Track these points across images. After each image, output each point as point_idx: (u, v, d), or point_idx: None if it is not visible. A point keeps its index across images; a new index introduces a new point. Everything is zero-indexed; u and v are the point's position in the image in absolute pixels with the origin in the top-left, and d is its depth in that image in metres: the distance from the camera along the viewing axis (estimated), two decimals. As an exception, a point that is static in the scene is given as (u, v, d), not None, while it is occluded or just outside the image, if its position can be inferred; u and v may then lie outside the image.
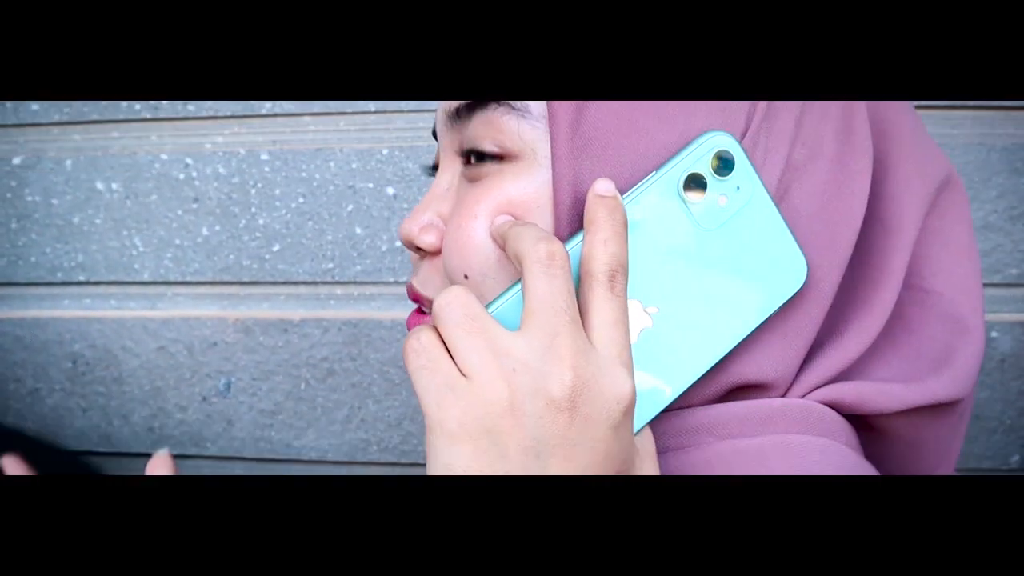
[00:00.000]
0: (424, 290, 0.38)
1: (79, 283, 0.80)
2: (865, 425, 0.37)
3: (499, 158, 0.35)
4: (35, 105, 0.80)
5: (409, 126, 0.75)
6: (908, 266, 0.37)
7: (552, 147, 0.33)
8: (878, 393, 0.35)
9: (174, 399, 0.79)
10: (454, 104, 0.36)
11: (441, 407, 0.28)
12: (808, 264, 0.34)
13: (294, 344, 0.77)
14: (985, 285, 0.70)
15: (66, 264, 0.80)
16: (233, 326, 0.78)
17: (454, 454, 0.28)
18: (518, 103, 0.34)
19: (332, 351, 0.77)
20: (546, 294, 0.29)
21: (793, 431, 0.34)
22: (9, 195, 0.80)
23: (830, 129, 0.35)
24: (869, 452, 0.38)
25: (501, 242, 0.33)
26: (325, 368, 0.77)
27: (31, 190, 0.80)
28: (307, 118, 0.77)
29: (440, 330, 0.29)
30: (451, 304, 0.29)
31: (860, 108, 0.36)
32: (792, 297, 0.34)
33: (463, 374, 0.29)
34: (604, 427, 0.29)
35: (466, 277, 0.35)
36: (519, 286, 0.31)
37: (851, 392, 0.35)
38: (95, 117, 0.79)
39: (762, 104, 0.34)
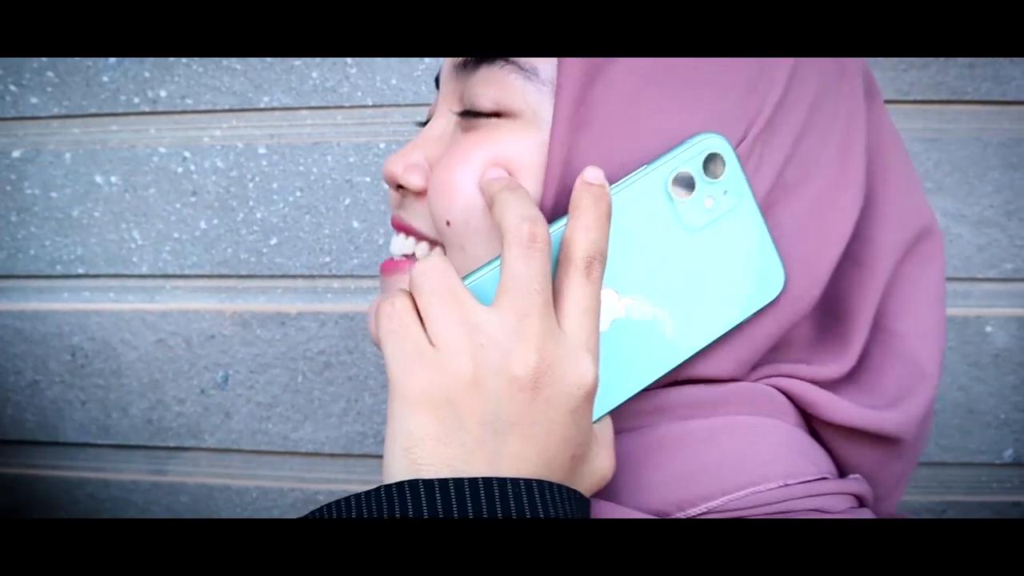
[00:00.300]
0: (413, 222, 0.38)
1: (78, 276, 0.81)
2: (814, 436, 0.38)
3: (496, 115, 0.35)
4: (34, 98, 0.80)
5: (406, 119, 0.75)
6: (882, 310, 0.38)
7: (554, 113, 0.34)
8: (827, 401, 0.36)
9: (172, 391, 0.80)
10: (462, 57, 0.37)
11: (407, 373, 0.29)
12: (786, 276, 0.34)
13: (291, 337, 0.78)
14: (980, 280, 0.71)
15: (65, 257, 0.80)
16: (231, 319, 0.78)
17: (414, 421, 0.28)
18: (527, 63, 0.34)
19: (329, 344, 0.78)
20: (522, 274, 0.29)
21: (743, 412, 0.35)
22: (8, 188, 0.81)
23: (828, 155, 0.35)
24: None
25: (488, 199, 0.33)
26: (322, 361, 0.78)
27: (30, 183, 0.81)
28: (304, 112, 0.77)
29: (415, 297, 0.30)
30: (428, 273, 0.30)
31: (859, 138, 0.37)
32: (766, 306, 0.34)
33: (432, 343, 0.29)
34: (563, 410, 0.29)
35: (448, 224, 0.35)
36: (498, 262, 0.31)
37: (798, 387, 0.36)
38: (94, 110, 0.79)
39: (761, 119, 0.34)
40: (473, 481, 0.27)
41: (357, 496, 0.28)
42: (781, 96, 0.34)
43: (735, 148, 0.33)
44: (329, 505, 0.28)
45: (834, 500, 0.35)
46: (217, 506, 0.80)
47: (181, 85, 0.78)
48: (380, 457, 0.67)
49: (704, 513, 0.33)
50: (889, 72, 0.72)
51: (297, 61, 0.77)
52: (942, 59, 0.71)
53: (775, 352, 0.36)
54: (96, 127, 0.80)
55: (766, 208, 0.34)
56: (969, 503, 0.72)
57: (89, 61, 0.79)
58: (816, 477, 0.35)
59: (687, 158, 0.32)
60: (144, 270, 0.79)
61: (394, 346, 0.29)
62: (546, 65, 0.34)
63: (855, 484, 0.36)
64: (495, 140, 0.35)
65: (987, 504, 0.72)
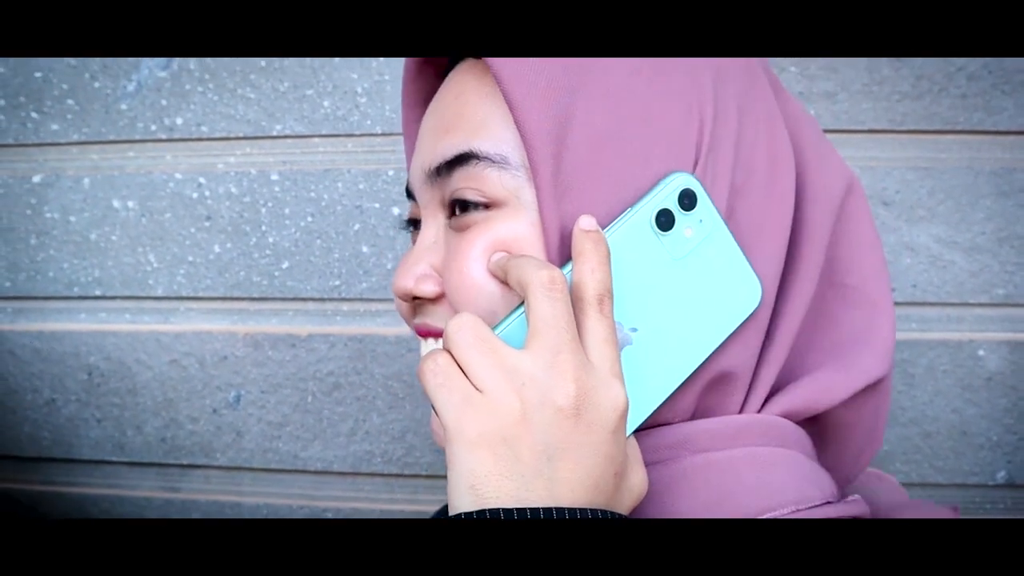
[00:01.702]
0: (438, 323, 0.41)
1: (95, 297, 0.83)
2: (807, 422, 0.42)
3: (485, 206, 0.38)
4: (55, 125, 0.83)
5: (414, 148, 0.78)
6: (827, 266, 0.42)
7: (538, 196, 0.36)
8: (822, 392, 0.40)
9: (186, 411, 0.82)
10: (433, 162, 0.39)
11: (460, 420, 0.31)
12: (762, 286, 0.37)
13: (301, 358, 0.80)
14: (973, 305, 0.73)
15: (83, 279, 0.83)
16: (243, 340, 0.81)
17: (475, 460, 0.31)
18: (496, 155, 0.37)
19: (338, 365, 0.80)
20: (549, 315, 0.32)
21: (759, 444, 0.38)
22: (29, 212, 0.83)
23: (760, 153, 0.39)
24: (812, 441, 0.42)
25: (502, 274, 0.36)
26: (331, 382, 0.80)
27: (50, 207, 0.83)
28: (316, 139, 0.79)
29: (453, 352, 0.33)
30: (462, 328, 0.33)
31: (781, 130, 0.40)
32: (754, 311, 0.37)
33: (478, 390, 0.32)
34: (605, 432, 0.32)
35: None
36: (522, 309, 0.34)
37: (800, 399, 0.40)
38: (112, 137, 0.82)
39: (706, 138, 0.37)
40: (535, 510, 0.30)
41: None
42: (714, 113, 0.37)
43: (693, 172, 0.36)
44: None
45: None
46: None
47: (197, 113, 0.80)
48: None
49: None
50: (883, 103, 0.74)
51: (309, 90, 0.79)
52: (936, 90, 0.74)
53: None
54: (114, 153, 0.82)
55: (728, 215, 0.37)
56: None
57: (108, 89, 0.82)
58: (822, 502, 0.37)
59: (664, 197, 0.35)
60: (159, 292, 0.82)
61: (444, 398, 0.32)
62: (514, 152, 0.37)
63: (855, 507, 0.39)
64: (490, 231, 0.37)
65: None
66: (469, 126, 0.38)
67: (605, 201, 0.36)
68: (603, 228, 0.35)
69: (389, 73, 0.78)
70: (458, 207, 0.38)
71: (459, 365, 0.32)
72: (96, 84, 0.82)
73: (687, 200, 0.35)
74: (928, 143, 0.74)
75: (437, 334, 0.41)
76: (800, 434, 0.40)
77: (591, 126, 0.36)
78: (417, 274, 0.40)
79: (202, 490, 0.82)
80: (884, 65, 0.74)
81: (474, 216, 0.38)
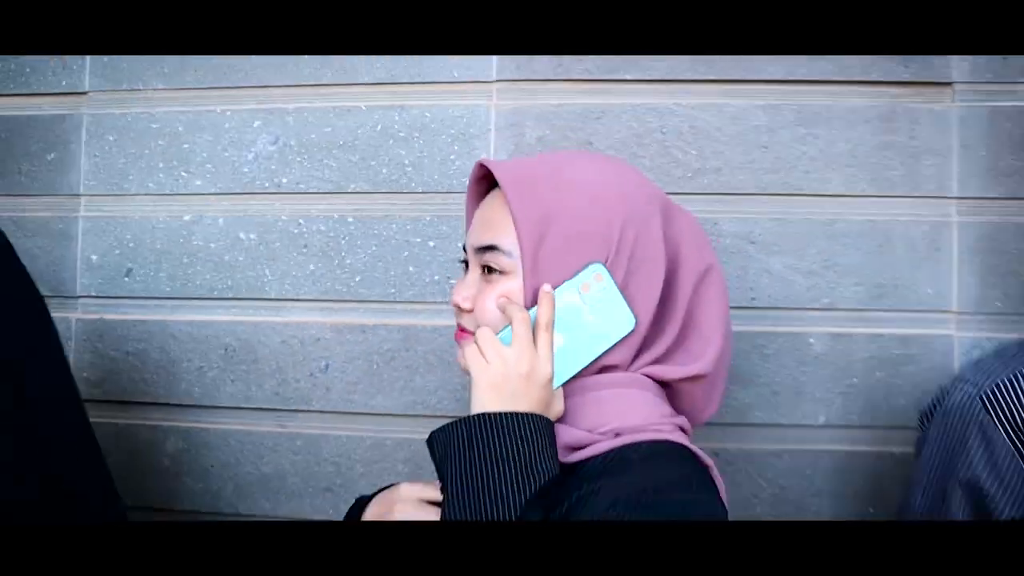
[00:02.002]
0: (468, 326, 0.79)
1: (228, 298, 1.23)
2: (668, 387, 0.79)
3: (500, 272, 0.76)
4: (199, 181, 1.22)
5: (443, 203, 1.17)
6: (688, 313, 0.78)
7: (523, 272, 0.75)
8: (671, 372, 0.77)
9: (291, 374, 1.23)
10: (478, 243, 0.77)
11: (479, 375, 0.71)
12: (636, 317, 0.75)
13: (369, 340, 1.20)
14: (807, 309, 1.12)
15: (219, 286, 1.23)
16: (330, 328, 1.21)
17: (486, 396, 0.70)
18: (507, 248, 0.75)
19: (393, 344, 1.20)
20: (521, 333, 0.71)
21: (629, 388, 0.76)
22: (182, 240, 1.23)
23: (648, 254, 0.76)
24: (670, 401, 0.80)
25: (502, 309, 0.75)
26: (389, 355, 1.20)
27: (196, 238, 1.23)
28: (377, 195, 1.19)
29: (479, 343, 0.72)
30: (483, 334, 0.72)
31: (659, 245, 0.77)
32: (631, 331, 0.75)
33: (488, 363, 0.71)
34: (539, 387, 0.71)
35: (486, 324, 0.77)
36: (509, 327, 0.73)
37: (659, 370, 0.77)
38: (238, 191, 1.21)
39: (614, 245, 0.74)
40: (508, 414, 0.69)
41: (460, 420, 0.70)
42: (622, 232, 0.74)
43: (606, 264, 0.74)
44: (445, 427, 0.71)
45: (667, 427, 0.75)
46: (319, 448, 1.23)
47: (296, 175, 1.20)
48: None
49: (605, 432, 0.74)
50: (752, 175, 1.12)
51: (373, 161, 1.18)
52: (787, 167, 1.12)
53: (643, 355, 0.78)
54: (240, 202, 1.22)
55: (624, 286, 0.75)
56: (797, 450, 1.14)
57: (235, 157, 1.21)
58: (658, 419, 0.76)
59: (588, 274, 0.74)
60: (273, 295, 1.22)
61: (476, 365, 0.71)
62: (515, 247, 0.75)
63: (680, 419, 0.78)
64: (501, 285, 0.76)
65: (810, 451, 1.14)
66: (496, 228, 0.76)
67: (557, 276, 0.74)
68: (554, 288, 0.74)
69: (427, 151, 1.17)
70: (487, 270, 0.77)
71: (480, 350, 0.72)
72: (226, 153, 1.21)
73: (599, 274, 0.74)
74: (781, 202, 1.13)
75: (469, 334, 0.79)
76: (657, 387, 0.78)
77: (557, 237, 0.74)
78: (464, 296, 0.79)
79: (303, 427, 1.24)
80: (754, 148, 1.13)
81: (493, 276, 0.76)
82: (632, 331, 0.75)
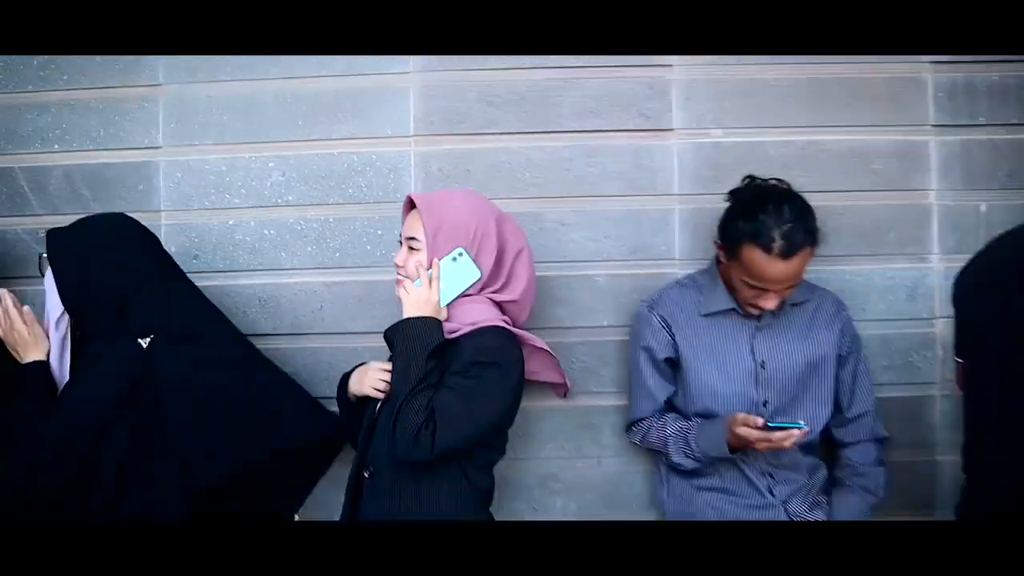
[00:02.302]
0: (402, 277, 1.65)
1: (259, 270, 2.06)
2: (499, 306, 1.68)
3: (416, 250, 1.62)
4: (236, 200, 2.03)
5: (386, 209, 2.01)
6: (510, 271, 1.66)
7: (427, 250, 1.61)
8: (499, 297, 1.66)
9: (300, 313, 2.06)
10: (407, 234, 1.63)
11: (407, 301, 1.58)
12: (481, 272, 1.62)
13: (346, 290, 2.05)
14: (595, 261, 2.01)
15: (253, 263, 2.05)
16: (323, 284, 2.05)
17: (409, 311, 1.58)
18: (420, 238, 1.62)
19: (360, 291, 2.04)
20: (425, 281, 1.59)
21: (479, 303, 1.64)
22: (228, 236, 2.05)
23: (488, 242, 1.63)
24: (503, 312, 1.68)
25: (416, 268, 1.61)
26: (358, 298, 2.05)
27: (237, 234, 2.05)
28: (347, 205, 2.02)
29: (404, 287, 1.60)
30: (407, 282, 1.60)
31: (494, 234, 1.64)
32: (479, 279, 1.62)
33: (408, 294, 1.58)
34: (434, 305, 1.59)
35: (410, 276, 1.63)
36: (419, 279, 1.59)
37: (494, 296, 1.66)
38: (262, 205, 2.03)
39: (478, 236, 1.61)
40: (419, 317, 1.56)
41: (398, 322, 1.57)
42: (473, 235, 1.60)
43: (466, 247, 1.60)
44: (391, 326, 1.58)
45: (498, 321, 1.62)
46: (319, 356, 2.07)
47: (297, 194, 2.02)
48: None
49: (466, 323, 1.60)
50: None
51: (343, 185, 2.01)
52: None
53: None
54: (263, 212, 2.03)
55: (476, 257, 1.60)
56: (591, 341, 2.04)
57: (258, 184, 2.02)
58: (493, 318, 1.63)
59: (457, 251, 1.60)
60: (286, 267, 2.05)
61: (404, 296, 1.58)
62: (423, 237, 1.60)
63: (505, 318, 1.66)
64: (416, 256, 1.61)
65: (598, 342, 2.03)
66: (415, 229, 1.61)
67: (442, 252, 1.59)
68: (440, 259, 1.60)
69: (376, 178, 2.01)
70: (410, 248, 1.62)
71: (406, 289, 1.58)
72: (253, 183, 2.03)
73: (461, 253, 1.60)
74: (579, 202, 2.01)
75: (400, 281, 1.65)
76: (493, 304, 1.64)
77: (443, 234, 1.60)
78: (399, 261, 1.64)
79: (308, 344, 2.07)
80: (562, 173, 1.99)
81: (413, 252, 1.62)
82: (479, 279, 1.61)
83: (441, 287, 1.59)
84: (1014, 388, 1.44)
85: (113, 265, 1.68)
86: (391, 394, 1.57)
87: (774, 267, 1.65)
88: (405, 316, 1.58)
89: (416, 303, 1.57)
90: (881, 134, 2.05)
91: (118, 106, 2.07)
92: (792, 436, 1.61)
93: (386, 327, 1.62)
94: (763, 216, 1.65)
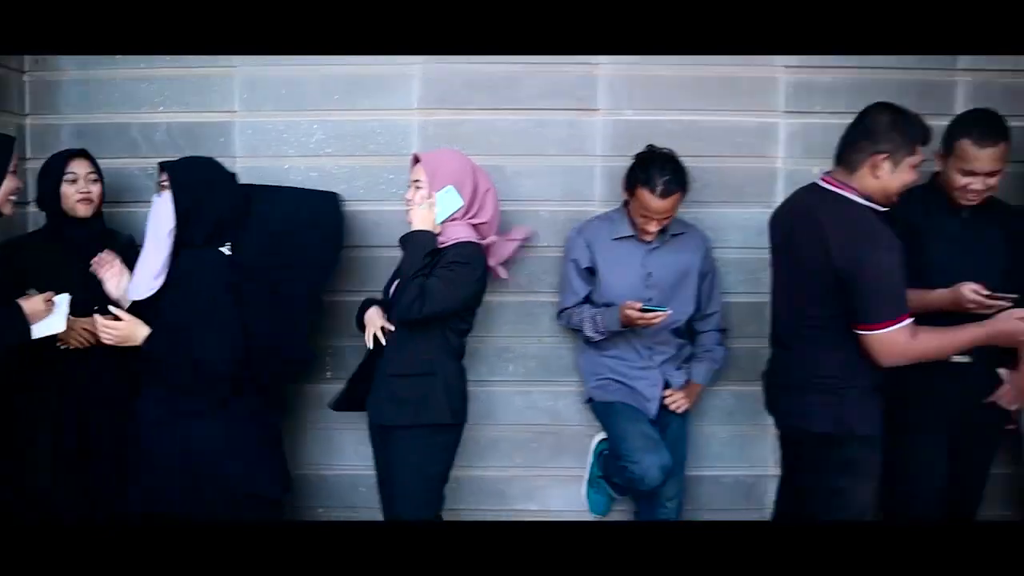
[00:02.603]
0: (411, 206, 2.53)
1: (306, 200, 2.94)
2: (476, 228, 2.57)
3: (420, 188, 2.51)
4: (301, 161, 2.89)
5: (397, 160, 2.87)
6: (480, 203, 2.55)
7: (428, 189, 2.48)
8: (474, 220, 2.55)
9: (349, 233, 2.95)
10: (414, 178, 2.51)
11: (415, 219, 2.43)
12: (464, 202, 2.50)
13: (378, 219, 2.93)
14: (543, 200, 2.91)
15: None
16: (358, 214, 2.93)
17: (415, 226, 2.43)
18: (423, 181, 2.49)
19: (385, 219, 2.93)
20: (427, 206, 2.46)
21: (460, 225, 2.53)
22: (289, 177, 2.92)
23: (468, 183, 2.51)
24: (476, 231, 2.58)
25: (421, 200, 2.48)
26: (384, 224, 2.93)
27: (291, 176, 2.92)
28: (371, 157, 2.88)
29: (413, 211, 2.48)
30: (414, 207, 2.48)
31: (472, 178, 2.52)
32: (462, 207, 2.51)
33: (416, 216, 2.47)
34: (431, 223, 2.43)
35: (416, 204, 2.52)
36: (423, 205, 2.47)
37: (471, 220, 2.55)
38: (310, 155, 2.89)
39: (469, 183, 2.49)
40: (421, 230, 2.44)
41: (409, 232, 2.47)
42: (460, 179, 2.48)
43: (455, 186, 2.47)
44: (404, 235, 2.48)
45: (474, 237, 2.50)
46: (366, 262, 2.96)
47: (336, 147, 2.88)
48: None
49: (452, 238, 2.48)
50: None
51: (368, 143, 2.87)
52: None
53: None
54: (311, 161, 2.90)
55: (459, 192, 2.48)
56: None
57: (305, 141, 2.88)
58: (471, 235, 2.52)
59: (447, 188, 2.46)
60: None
61: (413, 216, 2.44)
62: (425, 181, 2.47)
63: (477, 234, 2.54)
64: (420, 192, 2.46)
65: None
66: (419, 173, 2.46)
67: (437, 189, 2.45)
68: (435, 193, 2.47)
69: (391, 138, 2.87)
70: (416, 188, 2.50)
71: (414, 212, 2.46)
72: (309, 144, 2.89)
73: (449, 190, 2.47)
74: (528, 161, 2.88)
75: (410, 208, 2.53)
76: (471, 226, 2.51)
77: (438, 177, 2.45)
78: (409, 196, 2.48)
79: (358, 255, 2.97)
80: (535, 140, 2.87)
81: (419, 191, 2.48)
82: (461, 206, 2.49)
83: (436, 211, 2.46)
84: (779, 292, 2.38)
85: (216, 191, 2.50)
86: (401, 283, 2.45)
87: (656, 203, 2.54)
88: (413, 228, 2.45)
89: (421, 220, 2.43)
90: (744, 116, 2.92)
91: (206, 81, 2.92)
92: (659, 316, 2.52)
93: (396, 239, 2.51)
94: (652, 170, 2.55)
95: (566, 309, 2.82)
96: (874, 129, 2.17)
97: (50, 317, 2.25)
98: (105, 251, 2.49)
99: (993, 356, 2.44)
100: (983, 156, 2.35)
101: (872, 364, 2.16)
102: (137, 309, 2.36)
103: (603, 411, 2.78)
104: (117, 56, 2.87)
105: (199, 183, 2.47)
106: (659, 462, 2.52)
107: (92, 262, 2.46)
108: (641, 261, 2.72)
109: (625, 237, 2.72)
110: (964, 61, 2.89)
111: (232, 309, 2.38)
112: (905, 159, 2.15)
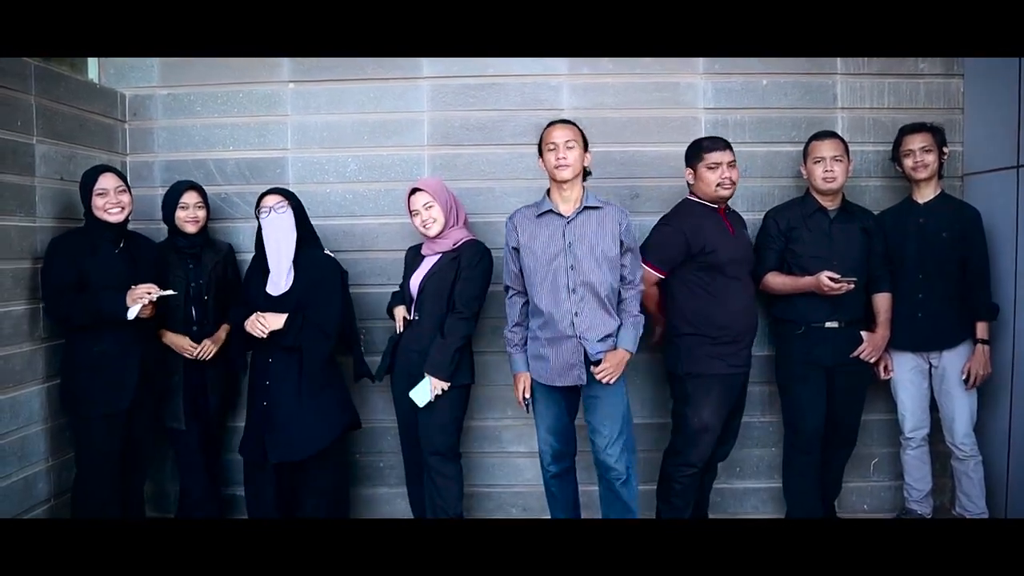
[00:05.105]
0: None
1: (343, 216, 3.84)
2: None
3: (430, 207, 3.42)
4: (340, 185, 3.81)
5: (403, 185, 3.79)
6: (456, 215, 3.48)
7: (434, 200, 3.40)
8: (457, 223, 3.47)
9: (362, 239, 3.85)
10: (414, 206, 3.41)
11: (418, 401, 3.37)
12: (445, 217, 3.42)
13: (388, 229, 3.83)
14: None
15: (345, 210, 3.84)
16: (377, 224, 3.83)
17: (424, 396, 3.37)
18: (429, 201, 3.41)
19: (393, 231, 3.83)
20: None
21: (459, 228, 3.44)
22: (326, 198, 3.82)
23: (449, 202, 3.43)
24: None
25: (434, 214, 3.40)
26: (393, 233, 3.84)
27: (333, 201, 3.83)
28: (389, 183, 3.79)
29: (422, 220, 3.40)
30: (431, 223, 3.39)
31: (450, 197, 3.45)
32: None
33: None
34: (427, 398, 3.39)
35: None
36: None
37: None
38: (341, 182, 3.80)
39: (443, 199, 3.41)
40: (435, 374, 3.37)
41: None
42: (444, 198, 3.38)
43: (440, 204, 3.39)
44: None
45: (475, 238, 3.42)
46: (372, 264, 3.85)
47: (368, 175, 3.80)
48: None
49: (461, 240, 3.38)
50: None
51: (388, 171, 3.79)
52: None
53: None
54: (343, 187, 3.81)
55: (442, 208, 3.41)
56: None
57: (342, 167, 3.80)
58: (470, 236, 3.43)
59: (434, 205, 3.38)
60: (359, 214, 3.83)
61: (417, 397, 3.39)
62: (428, 198, 3.38)
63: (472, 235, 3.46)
64: (432, 209, 3.39)
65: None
66: (423, 197, 3.38)
67: (441, 200, 3.36)
68: (439, 203, 3.37)
69: (403, 169, 3.79)
70: (427, 205, 3.39)
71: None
72: (345, 170, 3.81)
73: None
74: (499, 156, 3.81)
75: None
76: (465, 228, 3.45)
77: (439, 195, 3.37)
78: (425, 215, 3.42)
79: (363, 256, 3.86)
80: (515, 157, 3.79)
81: (429, 208, 3.39)
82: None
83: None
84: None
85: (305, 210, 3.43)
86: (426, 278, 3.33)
87: (555, 129, 3.07)
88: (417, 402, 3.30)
89: (422, 397, 3.23)
90: (671, 111, 3.81)
91: (265, 126, 3.84)
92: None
93: (410, 244, 3.41)
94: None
95: (507, 287, 3.25)
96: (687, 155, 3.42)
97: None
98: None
99: (858, 322, 3.39)
100: (823, 145, 3.45)
101: (709, 318, 3.24)
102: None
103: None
104: (197, 106, 3.79)
105: (299, 203, 3.41)
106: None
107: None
108: (562, 233, 3.06)
109: (546, 212, 3.08)
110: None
111: (340, 292, 3.35)
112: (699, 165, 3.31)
